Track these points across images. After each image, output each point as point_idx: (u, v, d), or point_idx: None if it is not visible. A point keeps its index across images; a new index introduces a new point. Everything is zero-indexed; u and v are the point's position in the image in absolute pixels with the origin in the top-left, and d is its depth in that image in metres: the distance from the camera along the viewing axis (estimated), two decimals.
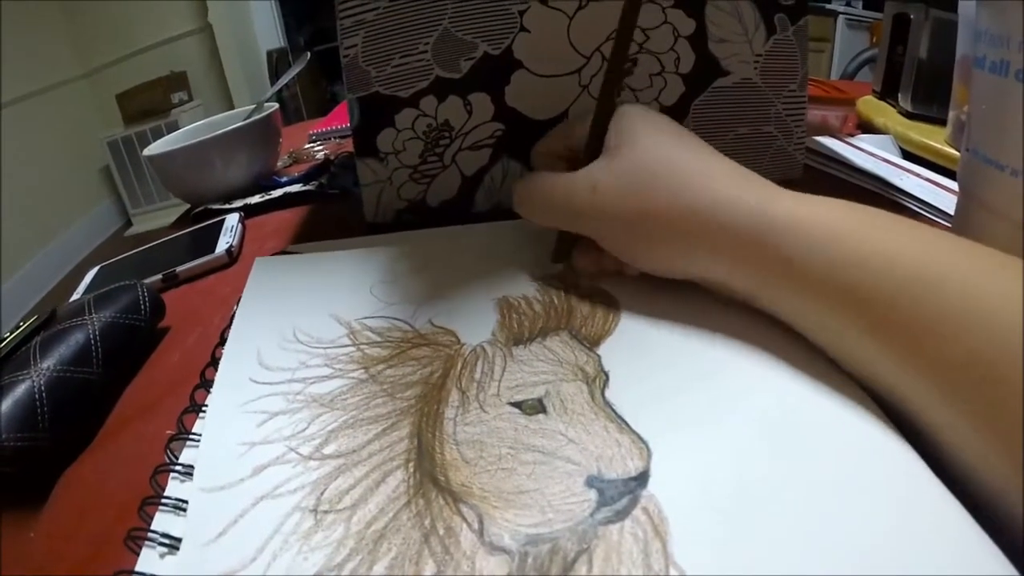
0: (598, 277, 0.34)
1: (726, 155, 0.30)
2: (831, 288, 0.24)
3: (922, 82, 0.55)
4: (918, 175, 0.47)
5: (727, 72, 0.44)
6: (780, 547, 0.19)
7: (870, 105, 0.61)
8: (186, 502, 0.23)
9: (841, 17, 2.30)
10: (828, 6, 2.31)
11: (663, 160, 0.29)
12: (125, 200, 3.09)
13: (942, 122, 0.52)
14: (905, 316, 0.22)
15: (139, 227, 3.02)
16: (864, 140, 0.55)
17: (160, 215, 2.94)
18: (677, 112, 0.44)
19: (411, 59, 0.43)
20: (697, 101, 0.44)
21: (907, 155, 0.53)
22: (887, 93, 0.61)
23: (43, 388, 0.27)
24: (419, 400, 0.27)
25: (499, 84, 0.44)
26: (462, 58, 0.43)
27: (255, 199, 0.55)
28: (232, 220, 0.50)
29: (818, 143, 0.54)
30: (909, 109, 0.57)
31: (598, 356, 0.29)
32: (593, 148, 0.32)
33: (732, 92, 0.44)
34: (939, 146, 0.49)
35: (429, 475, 0.23)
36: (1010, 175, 0.29)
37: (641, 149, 0.30)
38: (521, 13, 0.42)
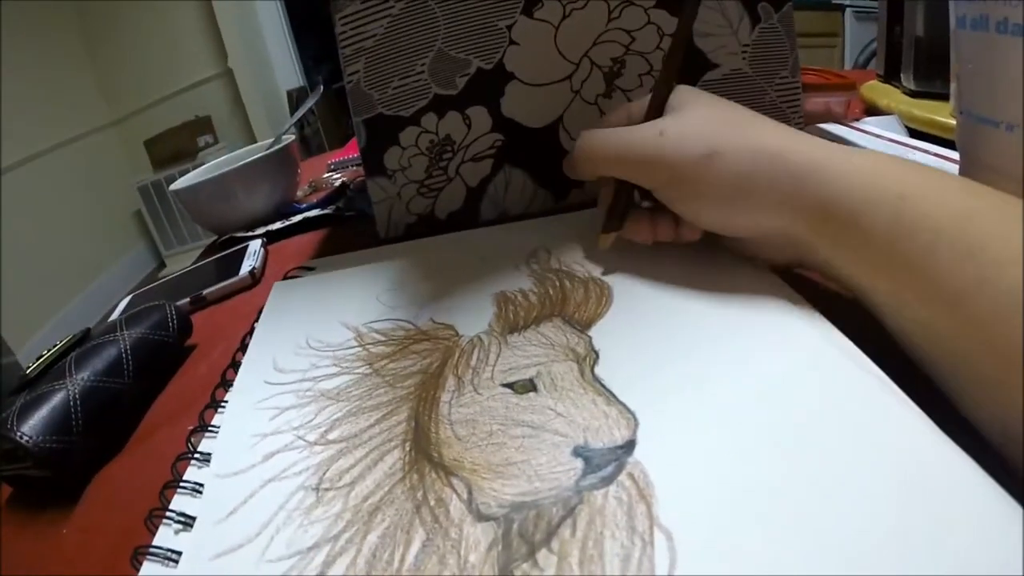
0: (648, 242, 0.34)
1: None
2: (897, 249, 0.23)
3: (922, 59, 0.55)
4: (925, 151, 0.47)
5: (716, 65, 0.45)
6: (768, 507, 0.19)
7: (875, 89, 0.61)
8: (202, 486, 0.25)
9: (848, 10, 2.28)
10: (835, 0, 2.29)
11: (728, 111, 0.30)
12: (158, 242, 3.22)
13: (946, 97, 0.52)
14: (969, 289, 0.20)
15: (172, 268, 3.15)
16: (869, 123, 0.55)
17: (192, 255, 3.06)
18: None
19: (410, 80, 0.46)
20: None
21: (914, 133, 0.52)
22: (891, 75, 0.60)
23: (77, 396, 0.30)
24: (418, 388, 0.29)
25: (494, 96, 0.46)
26: (457, 75, 0.45)
27: (276, 225, 0.59)
28: (255, 245, 0.53)
29: (821, 130, 0.54)
30: (913, 88, 0.56)
31: (589, 337, 0.30)
32: (653, 115, 0.32)
33: (723, 84, 0.45)
34: (944, 119, 0.49)
35: (424, 452, 0.25)
36: (1005, 130, 0.29)
37: (705, 106, 0.31)
38: (509, 27, 0.44)
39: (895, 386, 0.22)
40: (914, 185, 0.23)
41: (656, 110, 0.33)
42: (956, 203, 0.22)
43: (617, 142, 0.32)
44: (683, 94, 0.32)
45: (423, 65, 0.45)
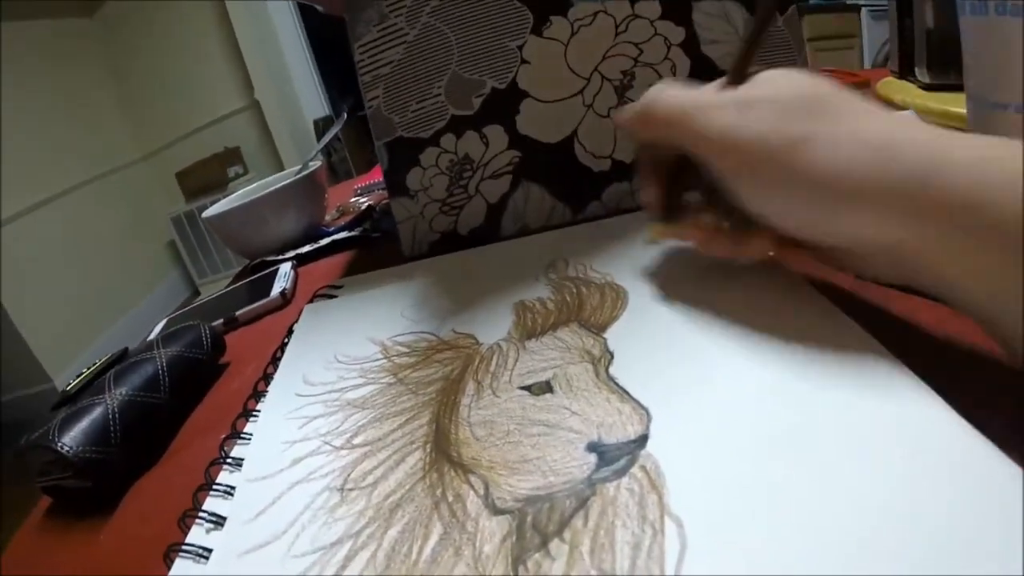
0: (706, 250, 0.30)
1: None
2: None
3: (935, 52, 0.54)
4: None
5: (724, 71, 0.45)
6: (779, 495, 0.19)
7: (890, 86, 0.60)
8: (234, 488, 0.26)
9: (864, 10, 2.25)
10: (850, 1, 2.27)
11: (823, 88, 0.24)
12: (191, 271, 3.31)
13: (961, 88, 0.51)
14: None
15: (203, 298, 3.22)
16: None
17: (224, 282, 3.13)
18: None
19: (427, 103, 0.47)
20: None
21: None
22: (905, 70, 0.60)
23: (116, 410, 0.31)
24: (439, 393, 0.30)
25: (510, 115, 0.47)
26: (473, 95, 0.47)
27: (305, 249, 0.61)
28: (285, 268, 0.55)
29: None
30: (928, 81, 0.56)
31: (604, 339, 0.30)
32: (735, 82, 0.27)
33: None
34: (959, 110, 0.48)
35: (444, 453, 0.25)
36: (1014, 112, 0.29)
37: (797, 80, 0.25)
38: (520, 47, 0.45)
39: (910, 372, 0.22)
40: None
41: (738, 75, 0.27)
42: None
43: (688, 102, 0.27)
44: (769, 71, 0.27)
45: (439, 88, 0.47)
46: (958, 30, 0.49)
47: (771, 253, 0.28)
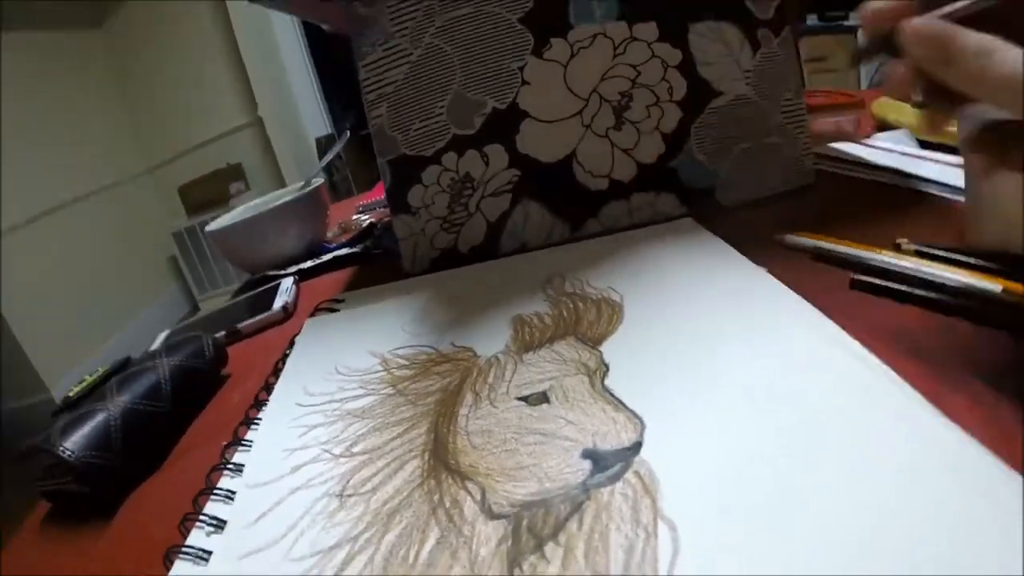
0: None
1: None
2: None
3: None
4: (935, 160, 0.48)
5: (720, 92, 0.47)
6: (770, 500, 0.19)
7: (885, 106, 0.62)
8: (234, 493, 0.26)
9: (860, 31, 2.28)
10: (846, 23, 2.30)
11: None
12: (191, 286, 3.30)
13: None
14: None
15: (206, 311, 3.22)
16: (880, 138, 0.56)
17: (224, 298, 3.12)
18: (679, 136, 0.47)
19: (430, 122, 0.48)
20: (696, 123, 0.47)
21: (925, 145, 0.53)
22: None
23: (118, 417, 0.32)
24: (438, 404, 0.30)
25: (510, 134, 0.48)
26: (474, 115, 0.48)
27: (307, 264, 0.61)
28: (287, 283, 0.55)
29: (831, 148, 0.54)
30: (922, 100, 0.57)
31: (600, 352, 0.31)
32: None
33: (729, 110, 0.47)
34: (953, 128, 0.49)
35: (442, 460, 0.26)
36: None
37: None
38: (520, 69, 0.47)
39: (903, 382, 0.22)
40: None
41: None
42: None
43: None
44: None
45: (442, 107, 0.48)
46: None
47: None
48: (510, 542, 0.21)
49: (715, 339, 0.29)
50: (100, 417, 0.31)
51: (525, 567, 0.20)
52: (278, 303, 0.51)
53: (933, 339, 0.26)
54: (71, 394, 0.36)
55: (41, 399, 2.44)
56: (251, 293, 0.58)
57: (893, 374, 0.23)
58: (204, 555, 0.23)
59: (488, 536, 0.21)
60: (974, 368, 0.23)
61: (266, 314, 0.50)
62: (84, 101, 3.02)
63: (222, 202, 3.05)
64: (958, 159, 0.46)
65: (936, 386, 0.22)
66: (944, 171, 0.45)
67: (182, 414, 0.37)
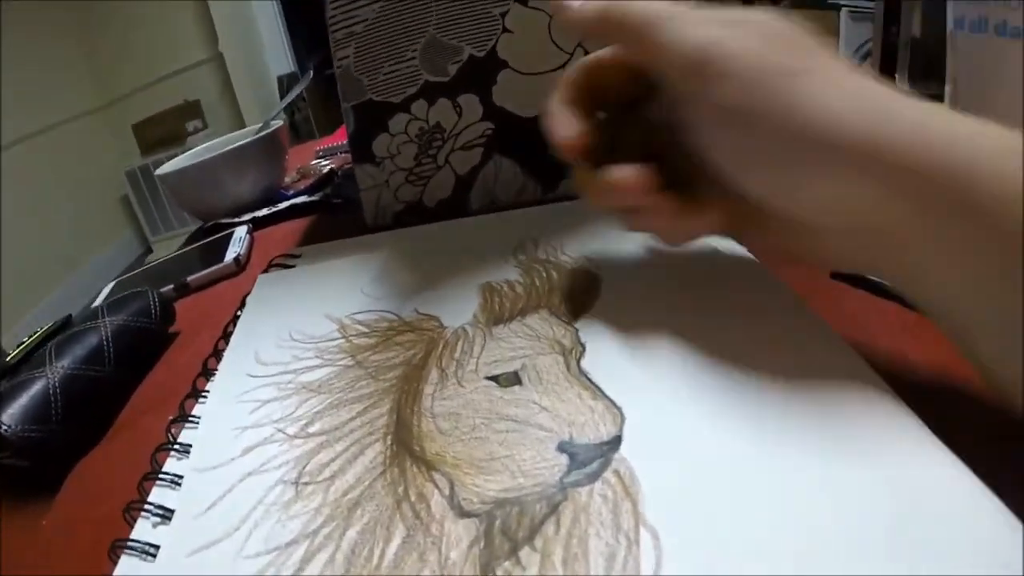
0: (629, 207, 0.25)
1: None
2: None
3: (918, 61, 0.55)
4: None
5: None
6: (757, 506, 0.19)
7: None
8: (181, 478, 0.24)
9: (844, 10, 2.27)
10: (830, 0, 2.28)
11: (810, 36, 0.21)
12: (145, 228, 3.20)
13: (940, 99, 0.52)
14: None
15: (159, 254, 3.12)
16: None
17: (179, 241, 3.04)
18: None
19: (401, 66, 0.45)
20: None
21: None
22: (885, 75, 0.60)
23: (57, 385, 0.29)
24: (400, 380, 0.28)
25: (486, 84, 0.45)
26: (449, 62, 0.44)
27: (262, 212, 0.58)
28: (240, 232, 0.52)
29: None
30: (908, 89, 0.56)
31: (575, 329, 0.29)
32: None
33: None
34: None
35: (406, 446, 0.24)
36: None
37: (781, 20, 0.21)
38: (503, 15, 0.43)
39: (885, 385, 0.22)
40: None
41: None
42: None
43: (663, 8, 0.22)
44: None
45: (414, 51, 0.44)
46: (944, 42, 0.49)
47: (716, 232, 0.25)
48: (482, 544, 0.19)
49: (699, 320, 0.28)
50: (38, 385, 0.29)
51: (499, 573, 0.18)
52: (230, 254, 0.48)
53: (914, 332, 0.25)
54: (8, 359, 0.33)
55: None
56: (202, 242, 0.54)
57: (877, 376, 0.22)
58: (151, 550, 0.22)
59: (459, 537, 0.20)
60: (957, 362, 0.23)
61: (217, 266, 0.47)
62: (37, 36, 2.79)
63: (178, 140, 2.92)
64: None
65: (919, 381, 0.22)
66: None
67: (127, 377, 0.34)
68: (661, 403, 0.24)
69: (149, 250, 3.23)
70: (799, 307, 0.27)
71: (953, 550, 0.16)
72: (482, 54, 0.44)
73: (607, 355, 0.27)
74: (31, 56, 2.74)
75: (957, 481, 0.18)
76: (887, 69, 0.60)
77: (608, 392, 0.25)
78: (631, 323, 0.29)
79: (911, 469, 0.19)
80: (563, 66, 0.44)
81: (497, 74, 0.45)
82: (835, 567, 0.16)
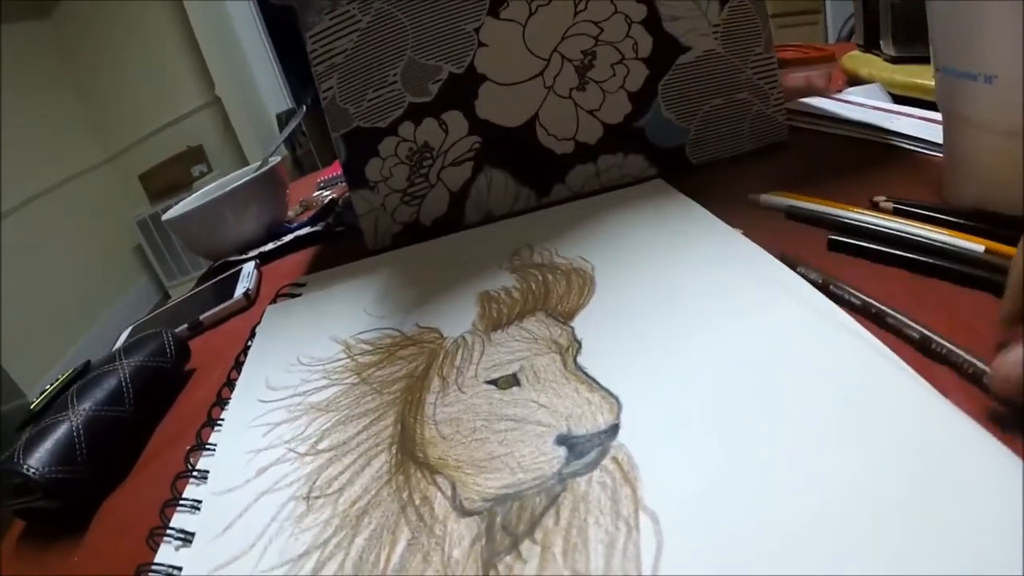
0: None
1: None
2: None
3: (900, 24, 0.54)
4: (909, 115, 0.47)
5: (688, 48, 0.45)
6: (755, 486, 0.19)
7: (855, 59, 0.60)
8: (200, 502, 0.25)
9: None
10: None
11: None
12: (160, 274, 3.24)
13: (927, 60, 0.52)
14: None
15: (168, 303, 3.15)
16: (851, 92, 0.55)
17: (194, 284, 3.08)
18: (646, 94, 0.46)
19: (383, 91, 0.46)
20: (664, 81, 0.45)
21: (898, 99, 0.52)
22: (871, 43, 0.60)
23: (80, 427, 0.30)
24: (404, 391, 0.29)
25: (469, 100, 0.46)
26: (429, 82, 0.46)
27: (268, 247, 0.59)
28: (248, 268, 0.53)
29: (803, 104, 0.53)
30: (893, 54, 0.56)
31: (571, 328, 0.30)
32: None
33: (697, 66, 0.45)
34: (926, 82, 0.48)
35: (410, 454, 0.25)
36: (984, 82, 0.29)
37: None
38: (476, 30, 0.44)
39: (893, 355, 0.22)
40: None
41: None
42: None
43: None
44: None
45: (395, 75, 0.46)
46: (923, 2, 0.49)
47: None
48: (484, 541, 0.20)
49: (693, 309, 0.28)
50: (63, 428, 0.30)
51: (501, 568, 0.19)
52: (239, 290, 0.50)
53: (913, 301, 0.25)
54: (32, 407, 0.35)
55: (17, 404, 2.39)
56: (213, 281, 0.56)
57: (879, 343, 0.22)
58: (174, 572, 0.22)
59: (461, 536, 0.20)
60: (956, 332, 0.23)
61: (228, 303, 0.49)
62: (35, 95, 2.88)
63: (185, 186, 2.98)
64: (933, 114, 0.45)
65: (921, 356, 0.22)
66: (919, 126, 0.44)
67: (147, 416, 0.36)
68: (658, 391, 0.24)
69: (167, 296, 3.28)
70: (794, 284, 0.27)
71: (952, 485, 0.16)
72: (461, 70, 0.45)
73: (602, 349, 0.28)
74: (29, 118, 2.79)
75: (952, 423, 0.18)
76: (871, 36, 0.60)
77: (605, 383, 0.25)
78: (625, 317, 0.29)
79: (911, 438, 0.18)
80: (541, 73, 0.45)
81: (478, 88, 0.46)
82: (830, 544, 0.16)
